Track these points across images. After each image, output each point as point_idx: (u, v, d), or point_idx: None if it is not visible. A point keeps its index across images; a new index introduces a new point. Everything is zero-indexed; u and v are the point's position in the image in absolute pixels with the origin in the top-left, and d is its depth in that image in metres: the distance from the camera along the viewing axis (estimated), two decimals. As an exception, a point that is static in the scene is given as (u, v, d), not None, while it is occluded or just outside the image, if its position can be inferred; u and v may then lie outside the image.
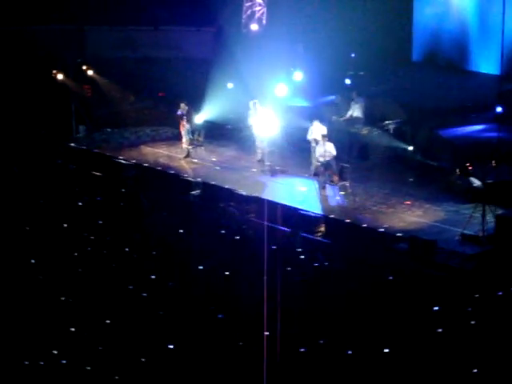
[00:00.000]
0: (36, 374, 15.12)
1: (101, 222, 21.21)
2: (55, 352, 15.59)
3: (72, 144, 26.86)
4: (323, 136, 22.92)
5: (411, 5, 29.48)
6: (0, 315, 16.63)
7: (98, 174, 24.61)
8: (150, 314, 16.81)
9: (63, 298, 17.42)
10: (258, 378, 14.25)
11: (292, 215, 20.85)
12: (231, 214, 21.29)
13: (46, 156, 25.59)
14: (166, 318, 16.71)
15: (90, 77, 29.87)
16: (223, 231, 20.52)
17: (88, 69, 29.84)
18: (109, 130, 28.28)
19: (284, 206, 21.31)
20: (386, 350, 15.34)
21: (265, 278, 12.87)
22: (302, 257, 19.14)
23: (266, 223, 18.12)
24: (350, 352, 15.35)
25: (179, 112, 25.47)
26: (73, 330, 16.25)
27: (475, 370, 14.77)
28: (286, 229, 20.09)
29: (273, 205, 21.24)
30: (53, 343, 15.83)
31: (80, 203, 22.51)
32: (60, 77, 28.79)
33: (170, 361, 15.43)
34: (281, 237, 19.49)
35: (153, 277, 18.30)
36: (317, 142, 23.19)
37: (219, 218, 21.17)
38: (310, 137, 23.67)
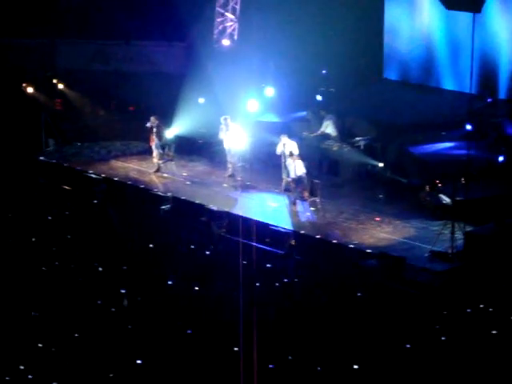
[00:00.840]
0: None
1: (69, 237, 21.07)
2: (22, 367, 15.45)
3: (41, 157, 26.67)
4: (291, 153, 22.87)
5: (382, 23, 29.61)
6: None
7: (67, 188, 24.46)
8: (119, 329, 16.71)
9: (33, 313, 17.29)
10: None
11: (262, 230, 20.82)
12: (213, 230, 21.24)
13: (14, 169, 25.39)
14: (134, 333, 16.61)
15: (61, 90, 29.72)
16: (193, 246, 20.51)
17: (58, 82, 29.69)
18: (79, 143, 28.10)
19: (252, 221, 21.27)
20: (356, 367, 15.36)
21: (240, 293, 12.88)
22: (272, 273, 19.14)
23: (240, 240, 18.07)
24: (319, 368, 15.36)
25: (148, 124, 25.29)
26: (40, 345, 16.13)
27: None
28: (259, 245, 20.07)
29: (244, 220, 21.20)
30: (20, 358, 15.69)
31: (49, 217, 22.35)
32: (30, 90, 28.62)
33: (139, 376, 15.34)
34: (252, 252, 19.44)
35: (123, 291, 18.20)
36: (285, 157, 23.20)
37: (192, 233, 21.17)
38: (278, 152, 23.66)
